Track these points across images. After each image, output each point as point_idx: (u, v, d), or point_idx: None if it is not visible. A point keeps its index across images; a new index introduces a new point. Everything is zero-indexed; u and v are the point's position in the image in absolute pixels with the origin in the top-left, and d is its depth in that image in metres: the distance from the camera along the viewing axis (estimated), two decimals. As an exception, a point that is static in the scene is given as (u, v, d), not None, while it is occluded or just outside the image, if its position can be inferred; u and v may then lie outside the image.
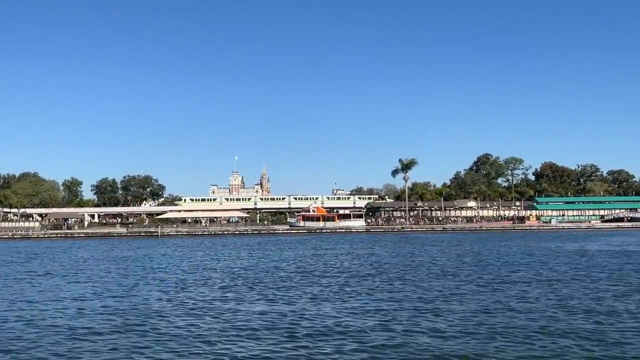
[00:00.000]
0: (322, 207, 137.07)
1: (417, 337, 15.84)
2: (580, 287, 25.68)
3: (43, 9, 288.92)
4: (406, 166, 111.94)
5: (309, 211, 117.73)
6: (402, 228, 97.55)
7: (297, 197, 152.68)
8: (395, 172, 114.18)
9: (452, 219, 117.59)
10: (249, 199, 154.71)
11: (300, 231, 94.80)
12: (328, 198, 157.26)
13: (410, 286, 26.27)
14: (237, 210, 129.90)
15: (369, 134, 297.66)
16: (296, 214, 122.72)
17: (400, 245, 59.39)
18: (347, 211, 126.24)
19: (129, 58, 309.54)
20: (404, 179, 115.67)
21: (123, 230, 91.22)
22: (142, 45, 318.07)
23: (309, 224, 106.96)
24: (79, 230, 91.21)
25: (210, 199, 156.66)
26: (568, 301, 21.63)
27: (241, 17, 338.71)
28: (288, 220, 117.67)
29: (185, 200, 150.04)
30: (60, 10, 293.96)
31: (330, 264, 38.70)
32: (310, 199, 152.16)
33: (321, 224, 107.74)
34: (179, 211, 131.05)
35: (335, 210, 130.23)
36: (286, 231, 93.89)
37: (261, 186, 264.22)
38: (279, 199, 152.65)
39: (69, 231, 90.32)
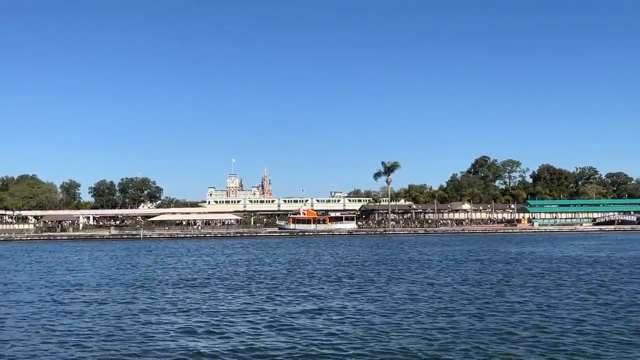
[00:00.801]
0: (344, 209, 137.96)
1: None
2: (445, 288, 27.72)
3: (40, 10, 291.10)
4: (389, 169, 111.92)
5: (298, 213, 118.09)
6: (385, 231, 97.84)
7: (320, 199, 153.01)
8: (377, 175, 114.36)
9: (442, 221, 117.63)
10: (273, 201, 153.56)
11: (283, 234, 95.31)
12: (350, 200, 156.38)
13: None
14: (230, 212, 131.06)
15: (368, 136, 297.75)
16: (290, 216, 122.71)
17: (355, 248, 59.92)
18: (338, 214, 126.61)
19: (128, 60, 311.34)
20: (387, 182, 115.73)
21: (106, 233, 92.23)
22: (141, 47, 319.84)
23: (299, 226, 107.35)
24: (62, 233, 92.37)
25: (235, 201, 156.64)
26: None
27: (240, 19, 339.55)
28: (277, 222, 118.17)
29: (209, 202, 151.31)
30: (58, 11, 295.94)
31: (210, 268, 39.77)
32: (332, 200, 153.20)
33: (312, 226, 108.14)
34: (174, 213, 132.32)
35: (327, 212, 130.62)
36: (268, 234, 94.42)
37: (262, 188, 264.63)
38: (302, 200, 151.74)
39: (52, 234, 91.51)
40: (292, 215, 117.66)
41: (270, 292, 27.64)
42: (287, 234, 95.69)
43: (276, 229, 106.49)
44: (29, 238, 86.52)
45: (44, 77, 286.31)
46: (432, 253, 51.22)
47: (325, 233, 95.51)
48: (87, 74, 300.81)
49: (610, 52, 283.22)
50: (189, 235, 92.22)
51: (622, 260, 41.88)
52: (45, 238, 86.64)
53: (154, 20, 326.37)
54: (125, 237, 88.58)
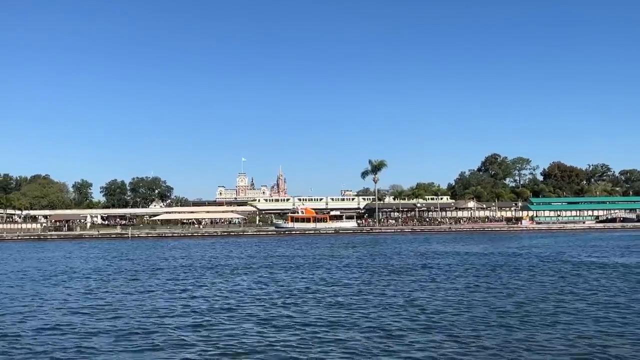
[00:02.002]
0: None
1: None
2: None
3: (46, 9, 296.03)
4: (376, 168, 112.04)
5: (296, 212, 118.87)
6: (371, 229, 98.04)
7: (365, 197, 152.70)
8: (365, 174, 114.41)
9: (439, 220, 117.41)
10: (321, 199, 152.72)
11: (270, 233, 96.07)
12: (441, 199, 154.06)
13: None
14: (231, 211, 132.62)
15: (376, 134, 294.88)
16: (288, 215, 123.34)
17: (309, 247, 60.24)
18: (338, 212, 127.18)
19: (137, 59, 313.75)
20: (374, 180, 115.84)
21: (95, 232, 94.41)
22: (151, 45, 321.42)
23: (298, 225, 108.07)
24: (52, 233, 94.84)
25: (284, 199, 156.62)
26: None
27: (248, 15, 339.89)
28: (274, 221, 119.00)
29: (259, 200, 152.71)
30: (64, 10, 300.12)
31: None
32: (377, 200, 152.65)
33: (311, 224, 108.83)
34: (180, 212, 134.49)
35: (329, 211, 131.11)
36: (255, 232, 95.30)
37: (277, 187, 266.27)
38: (349, 199, 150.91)
39: (42, 233, 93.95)
40: (290, 214, 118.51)
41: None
42: (274, 232, 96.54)
43: (268, 228, 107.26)
44: (19, 238, 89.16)
45: (58, 78, 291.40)
46: (351, 253, 50.46)
47: (312, 232, 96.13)
48: (98, 73, 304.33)
49: (626, 47, 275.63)
50: (176, 235, 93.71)
51: (516, 261, 40.74)
52: (36, 237, 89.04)
53: (164, 16, 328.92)
54: (114, 236, 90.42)
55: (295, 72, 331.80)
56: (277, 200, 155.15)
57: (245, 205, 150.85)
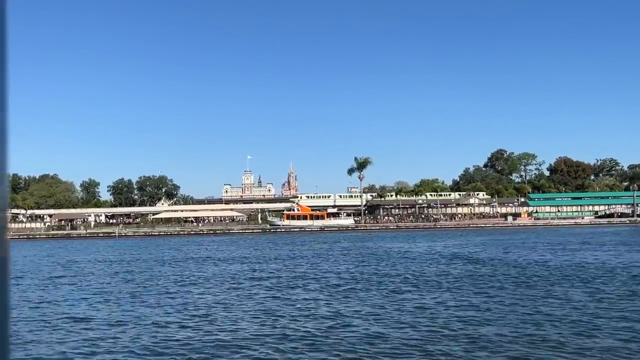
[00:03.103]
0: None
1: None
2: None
3: (50, 6, 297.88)
4: (361, 165, 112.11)
5: (292, 210, 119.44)
6: (357, 226, 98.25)
7: (372, 194, 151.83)
8: (351, 171, 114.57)
9: (433, 216, 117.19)
10: (361, 196, 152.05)
11: (255, 231, 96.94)
12: (440, 195, 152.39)
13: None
14: (227, 209, 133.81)
15: (376, 131, 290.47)
16: (284, 212, 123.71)
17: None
18: (335, 209, 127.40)
19: (143, 56, 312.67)
20: (359, 177, 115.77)
21: (83, 231, 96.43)
22: (156, 42, 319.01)
23: (294, 222, 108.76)
24: (42, 232, 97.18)
25: (325, 196, 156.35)
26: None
27: (254, 11, 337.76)
28: (269, 219, 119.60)
29: (301, 197, 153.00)
30: (69, 7, 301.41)
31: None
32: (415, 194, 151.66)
33: (308, 222, 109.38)
34: (176, 211, 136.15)
35: (325, 207, 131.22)
36: (241, 231, 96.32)
37: (289, 184, 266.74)
38: (390, 196, 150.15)
39: (31, 233, 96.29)
40: (286, 212, 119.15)
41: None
42: (260, 230, 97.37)
43: (254, 227, 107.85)
44: (9, 237, 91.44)
45: (64, 76, 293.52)
46: (279, 254, 50.24)
47: (297, 229, 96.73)
48: (104, 71, 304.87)
49: (635, 40, 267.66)
50: (162, 233, 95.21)
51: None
52: (25, 237, 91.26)
53: (168, 13, 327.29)
54: (102, 235, 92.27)
55: (298, 69, 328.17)
56: (319, 197, 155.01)
57: (287, 202, 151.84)
